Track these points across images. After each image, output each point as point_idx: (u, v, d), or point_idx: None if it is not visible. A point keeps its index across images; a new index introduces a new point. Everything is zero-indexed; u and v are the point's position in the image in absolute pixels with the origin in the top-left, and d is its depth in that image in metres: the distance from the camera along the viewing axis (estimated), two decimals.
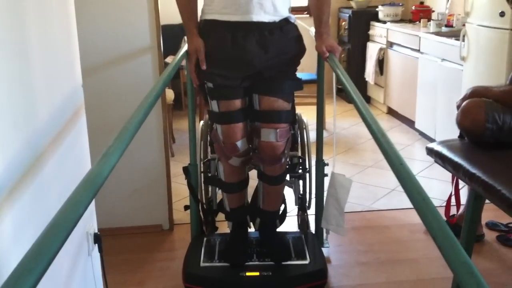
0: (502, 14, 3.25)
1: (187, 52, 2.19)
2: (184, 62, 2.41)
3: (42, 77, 1.46)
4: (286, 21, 2.14)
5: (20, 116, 1.28)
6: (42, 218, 1.10)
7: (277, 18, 2.09)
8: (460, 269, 0.76)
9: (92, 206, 1.98)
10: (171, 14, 3.42)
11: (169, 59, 4.12)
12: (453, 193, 2.70)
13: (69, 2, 1.87)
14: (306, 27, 3.08)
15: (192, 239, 2.60)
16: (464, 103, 2.30)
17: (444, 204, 2.89)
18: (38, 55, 1.44)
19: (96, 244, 1.93)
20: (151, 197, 2.99)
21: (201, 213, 2.58)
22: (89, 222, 1.89)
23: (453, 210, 2.83)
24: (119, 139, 1.14)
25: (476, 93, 2.34)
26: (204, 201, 2.58)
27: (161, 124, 2.91)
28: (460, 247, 0.80)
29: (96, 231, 1.97)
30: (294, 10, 2.23)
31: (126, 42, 2.78)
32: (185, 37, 2.30)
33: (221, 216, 2.58)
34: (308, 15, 5.66)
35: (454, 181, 2.65)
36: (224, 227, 2.64)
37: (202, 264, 2.33)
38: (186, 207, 2.62)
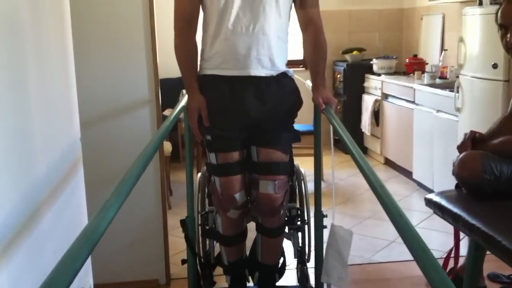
0: (495, 66, 3.31)
1: (187, 108, 2.20)
2: (182, 115, 2.44)
3: (40, 131, 1.47)
4: (283, 74, 2.17)
5: (18, 170, 1.27)
6: (38, 273, 1.08)
7: (274, 72, 2.13)
8: None
9: (88, 261, 1.95)
10: (169, 67, 3.48)
11: (167, 112, 4.15)
12: (454, 245, 2.67)
13: (69, 55, 1.91)
14: (302, 80, 3.13)
15: None
16: (461, 155, 2.32)
17: (444, 255, 2.85)
18: (36, 109, 1.45)
19: None
20: (147, 251, 2.94)
21: (198, 267, 2.54)
22: (85, 277, 1.86)
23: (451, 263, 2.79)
24: (117, 193, 1.13)
25: (474, 143, 2.36)
26: (201, 254, 2.54)
27: (158, 177, 2.90)
28: None
29: (92, 286, 1.93)
30: (290, 63, 2.27)
31: (124, 95, 2.81)
32: (183, 91, 2.33)
33: (219, 270, 2.54)
34: (303, 68, 5.76)
35: (456, 234, 2.63)
36: (222, 282, 2.59)
37: None
38: (183, 261, 2.58)
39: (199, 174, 2.60)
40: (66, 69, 1.84)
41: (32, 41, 1.47)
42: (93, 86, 2.76)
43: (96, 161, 2.71)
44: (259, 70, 2.08)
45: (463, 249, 2.69)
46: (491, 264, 2.83)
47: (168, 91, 4.05)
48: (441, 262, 2.34)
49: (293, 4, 2.17)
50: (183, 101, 2.32)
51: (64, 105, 1.79)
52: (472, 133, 2.41)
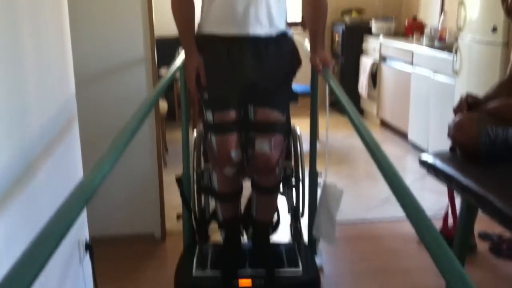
0: (494, 29, 3.28)
1: (184, 67, 2.18)
2: (178, 74, 2.42)
3: (35, 87, 1.46)
4: (282, 35, 2.15)
5: (13, 124, 1.27)
6: (34, 226, 1.10)
7: (273, 32, 2.10)
8: (453, 279, 0.76)
9: (84, 215, 1.98)
10: (165, 26, 3.44)
11: (163, 71, 4.12)
12: (449, 205, 2.71)
13: (63, 13, 1.88)
14: (301, 41, 3.10)
15: (184, 248, 2.58)
16: (457, 118, 2.32)
17: (437, 214, 2.89)
18: (32, 65, 1.44)
19: (88, 253, 1.91)
20: (143, 206, 2.98)
21: (193, 222, 2.58)
22: (80, 230, 1.88)
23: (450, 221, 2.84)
24: (112, 148, 1.13)
25: (470, 105, 2.36)
26: (197, 210, 2.57)
27: (154, 134, 2.91)
28: (453, 256, 0.80)
29: (88, 239, 1.96)
30: (288, 24, 2.24)
31: (120, 54, 2.79)
32: (180, 49, 2.30)
33: (214, 225, 2.57)
34: (302, 30, 5.69)
35: (450, 194, 2.66)
36: (216, 236, 2.63)
37: (194, 273, 2.32)
38: (178, 217, 2.61)
39: (195, 132, 2.61)
40: (60, 26, 1.82)
41: None
42: (89, 44, 2.73)
43: (92, 119, 2.71)
44: (258, 29, 2.06)
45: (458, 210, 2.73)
46: (482, 223, 2.88)
47: (164, 49, 4.01)
48: (437, 222, 2.36)
49: None
50: (179, 59, 2.30)
51: (59, 61, 1.78)
52: (468, 96, 2.41)
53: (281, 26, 2.14)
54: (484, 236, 2.98)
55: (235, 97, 2.15)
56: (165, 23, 2.69)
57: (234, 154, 2.17)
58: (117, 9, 2.74)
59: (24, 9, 1.41)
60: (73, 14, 2.13)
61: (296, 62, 2.22)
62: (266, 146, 2.15)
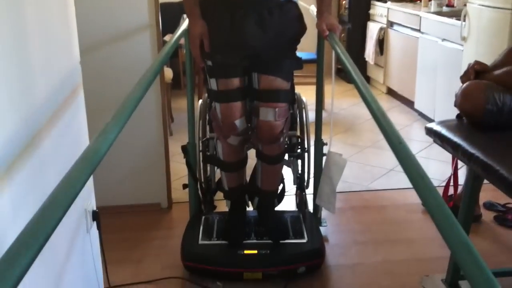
0: None
1: (188, 33, 2.16)
2: (182, 41, 2.39)
3: (39, 55, 1.45)
4: (287, 0, 2.11)
5: (17, 93, 1.27)
6: (40, 195, 1.10)
7: None
8: (458, 248, 0.77)
9: (90, 184, 1.98)
10: None
11: (167, 38, 4.09)
12: (452, 174, 2.71)
13: None
14: (306, 6, 3.05)
15: (190, 218, 2.60)
16: (464, 85, 2.29)
17: (442, 184, 2.89)
18: (35, 32, 1.42)
19: (95, 222, 1.93)
20: (149, 176, 2.99)
21: (199, 192, 2.59)
22: (87, 199, 1.89)
23: (451, 191, 2.84)
24: (117, 117, 1.13)
25: (478, 73, 2.33)
26: (202, 180, 2.58)
27: (159, 103, 2.90)
28: (458, 226, 0.80)
29: (95, 208, 1.97)
30: None
31: (124, 20, 2.76)
32: (184, 15, 2.27)
33: (219, 195, 2.59)
34: None
35: (454, 163, 2.65)
36: (222, 206, 2.65)
37: (200, 242, 2.35)
38: (184, 186, 2.62)
39: (200, 101, 2.60)
40: None
41: None
42: (92, 11, 2.70)
43: (97, 87, 2.70)
44: None
45: (461, 179, 2.73)
46: (488, 193, 2.88)
47: (168, 16, 3.97)
48: (440, 191, 2.36)
49: None
50: (184, 25, 2.27)
51: (63, 29, 1.76)
52: (476, 63, 2.38)
53: None
54: (489, 205, 2.98)
55: (239, 65, 2.13)
56: None
57: (238, 122, 2.16)
58: None
59: None
60: None
61: (300, 28, 2.18)
62: (270, 114, 2.14)
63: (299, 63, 2.23)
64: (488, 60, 2.47)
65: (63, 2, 1.77)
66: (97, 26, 2.72)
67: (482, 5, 3.48)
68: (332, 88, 2.47)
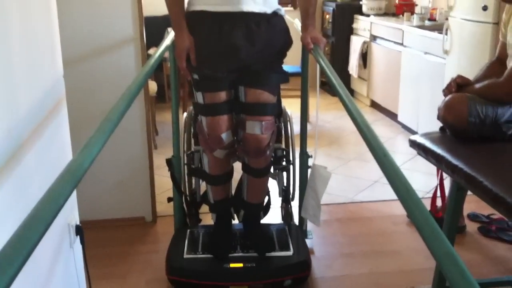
0: (485, 8, 3.27)
1: (175, 47, 2.16)
2: (167, 54, 2.39)
3: (22, 67, 1.44)
4: (274, 13, 2.13)
5: (0, 106, 1.25)
6: (23, 209, 1.09)
7: (268, 9, 2.08)
8: (443, 259, 0.77)
9: (73, 198, 1.96)
10: (154, 5, 3.40)
11: (151, 51, 4.08)
12: (438, 185, 2.73)
13: None
14: (291, 19, 3.08)
15: (175, 231, 2.58)
16: (447, 98, 2.32)
17: (427, 196, 2.91)
18: (18, 45, 1.41)
19: (78, 236, 1.91)
20: (134, 189, 2.97)
21: (184, 205, 2.57)
22: (70, 214, 1.87)
23: (438, 203, 2.86)
24: (101, 130, 1.12)
25: (460, 86, 2.36)
26: (187, 193, 2.57)
27: (144, 116, 2.89)
28: (444, 236, 0.80)
29: (78, 223, 1.95)
30: (279, 2, 2.22)
31: (108, 33, 2.75)
32: (169, 29, 2.27)
33: (204, 208, 2.58)
34: (292, 8, 5.65)
35: (439, 174, 2.68)
36: (207, 219, 2.63)
37: (185, 256, 2.33)
38: (169, 199, 2.61)
39: (185, 114, 2.59)
40: (47, 5, 1.78)
41: None
42: (77, 23, 2.69)
43: (80, 100, 2.68)
44: (251, 6, 2.03)
45: (446, 190, 2.75)
46: (472, 204, 2.91)
47: (153, 29, 3.96)
48: (426, 202, 2.37)
49: None
50: (168, 39, 2.27)
51: (46, 41, 1.75)
52: (458, 76, 2.41)
53: (274, 4, 2.12)
54: (473, 217, 3.00)
55: (226, 78, 2.13)
56: (154, 2, 2.65)
57: (225, 136, 2.16)
58: None
59: None
60: None
61: (287, 41, 2.20)
62: (257, 127, 2.14)
63: (286, 77, 2.24)
64: (470, 73, 2.50)
65: (46, 14, 1.76)
66: (81, 38, 2.71)
67: (464, 19, 3.53)
68: (317, 101, 2.49)
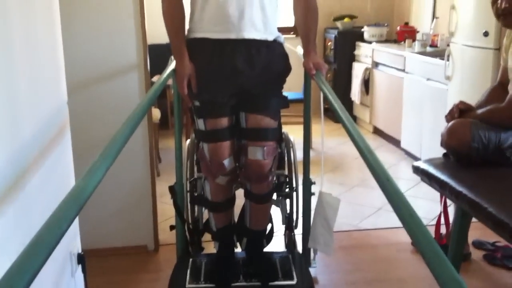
0: (486, 34, 3.30)
1: (176, 74, 2.17)
2: (170, 81, 2.41)
3: (27, 93, 1.45)
4: (274, 40, 2.15)
5: (4, 131, 1.26)
6: (25, 235, 1.08)
7: (269, 36, 2.10)
8: (449, 286, 0.75)
9: (75, 226, 1.95)
10: (158, 33, 3.42)
11: (155, 79, 4.11)
12: (442, 212, 2.71)
13: (55, 19, 1.87)
14: (292, 48, 3.10)
15: (177, 260, 2.56)
16: (449, 124, 2.32)
17: (431, 223, 2.89)
18: (23, 71, 1.42)
19: (80, 265, 1.89)
20: (136, 217, 2.95)
21: (187, 233, 2.55)
22: (72, 242, 1.86)
23: (443, 229, 2.83)
24: (104, 156, 1.12)
25: (462, 112, 2.36)
26: (190, 221, 2.55)
27: (147, 143, 2.89)
28: (449, 263, 0.79)
29: (80, 251, 1.94)
30: (281, 30, 2.24)
31: (112, 60, 2.78)
32: (172, 57, 2.29)
33: (207, 236, 2.55)
34: (294, 35, 5.71)
35: (443, 200, 2.66)
36: (210, 248, 2.61)
37: (188, 285, 2.30)
38: (171, 227, 2.59)
39: (188, 140, 2.59)
40: (53, 31, 1.81)
41: (18, 3, 1.44)
42: (81, 50, 2.71)
43: (84, 126, 2.69)
44: (252, 33, 2.05)
45: (450, 217, 2.73)
46: (476, 231, 2.88)
47: (157, 57, 4.00)
48: (430, 230, 2.36)
49: None
50: (172, 66, 2.29)
51: (51, 68, 1.76)
52: (460, 102, 2.42)
53: (274, 30, 2.14)
54: (478, 244, 2.97)
55: (227, 104, 2.14)
56: (158, 30, 2.68)
57: (227, 162, 2.16)
58: (110, 16, 2.73)
59: (15, 15, 1.39)
60: (65, 20, 2.12)
61: (286, 66, 2.21)
62: (259, 153, 2.14)
63: (286, 102, 2.25)
64: (473, 98, 2.51)
65: (52, 41, 1.78)
66: (85, 65, 2.74)
67: (465, 45, 3.56)
68: (321, 126, 2.49)
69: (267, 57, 2.11)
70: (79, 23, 2.69)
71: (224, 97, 2.12)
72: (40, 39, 1.66)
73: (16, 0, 1.42)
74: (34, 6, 1.63)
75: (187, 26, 2.17)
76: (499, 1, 2.31)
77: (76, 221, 1.87)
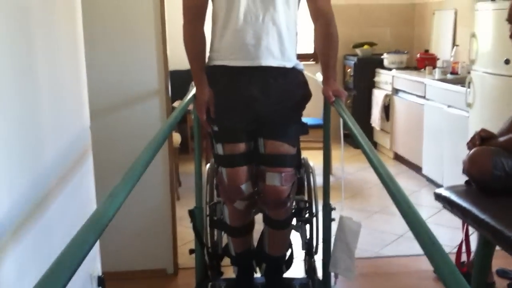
0: (507, 61, 3.28)
1: (195, 100, 2.20)
2: (191, 107, 2.44)
3: (50, 118, 1.48)
4: (293, 67, 2.16)
5: (27, 156, 1.28)
6: (46, 258, 1.09)
7: (287, 64, 2.12)
8: None
9: (96, 248, 1.97)
10: (179, 59, 3.48)
11: (176, 104, 4.16)
12: (463, 239, 2.66)
13: (79, 45, 1.91)
14: (311, 75, 3.12)
15: (196, 284, 2.55)
16: (471, 151, 2.30)
17: (453, 250, 2.84)
18: (47, 96, 1.46)
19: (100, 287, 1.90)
20: (156, 241, 2.96)
21: (206, 257, 2.55)
22: (93, 264, 1.87)
23: (463, 257, 2.78)
24: (125, 180, 1.13)
25: (484, 139, 2.34)
26: (209, 245, 2.55)
27: (167, 167, 2.91)
28: None
29: (100, 274, 1.95)
30: (301, 56, 2.26)
31: (134, 86, 2.82)
32: (193, 83, 2.33)
33: (226, 260, 2.54)
34: (314, 62, 5.74)
35: (465, 228, 2.62)
36: (229, 272, 2.59)
37: None
38: (191, 251, 2.58)
39: (208, 165, 2.61)
40: (76, 58, 1.85)
41: (42, 29, 1.48)
42: (103, 76, 2.76)
43: (106, 151, 2.72)
44: (269, 60, 2.07)
45: (472, 245, 2.68)
46: (500, 260, 2.82)
47: (178, 83, 4.06)
48: (451, 257, 2.32)
49: None
50: (192, 92, 2.32)
51: (74, 93, 1.80)
52: (482, 130, 2.40)
53: (293, 58, 2.16)
54: (502, 273, 2.91)
55: (245, 130, 2.15)
56: (179, 56, 2.72)
57: (244, 187, 2.16)
58: (132, 42, 2.78)
59: (39, 40, 1.43)
60: (88, 47, 2.16)
61: (305, 94, 2.22)
62: (277, 179, 2.14)
63: (305, 128, 2.25)
64: (494, 126, 2.49)
65: (75, 67, 1.82)
66: (107, 90, 2.78)
67: (486, 72, 3.54)
68: (341, 152, 2.48)
69: (284, 85, 2.12)
70: (102, 49, 2.75)
71: (242, 123, 2.13)
72: (64, 65, 1.70)
73: (40, 27, 1.46)
74: (58, 33, 1.67)
75: (207, 54, 2.20)
76: None
77: (97, 244, 1.89)
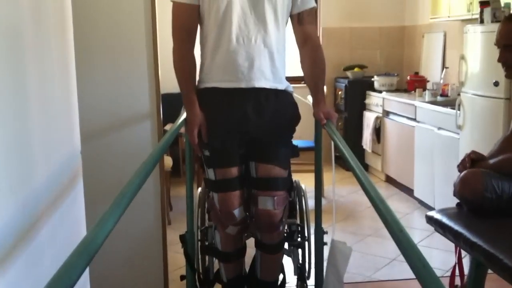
0: (496, 83, 3.32)
1: (186, 123, 2.19)
2: (183, 129, 2.43)
3: (40, 142, 1.47)
4: (283, 89, 2.18)
5: (16, 180, 1.27)
6: (36, 284, 1.07)
7: (278, 85, 2.13)
8: None
9: (86, 274, 1.94)
10: (171, 82, 3.49)
11: (168, 127, 4.15)
12: (456, 263, 2.65)
13: (70, 67, 1.91)
14: (301, 98, 3.13)
15: None
16: (462, 174, 2.31)
17: (446, 274, 2.83)
18: (37, 121, 1.45)
19: None
20: (146, 266, 2.92)
21: (197, 283, 2.52)
22: None
23: (457, 281, 2.76)
24: (115, 205, 1.12)
25: (474, 161, 2.35)
26: (201, 270, 2.52)
27: (158, 191, 2.89)
28: None
29: None
30: (291, 79, 2.28)
31: (125, 108, 2.81)
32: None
33: (218, 287, 2.52)
34: (304, 85, 5.76)
35: (457, 251, 2.61)
36: None
37: None
38: (182, 277, 2.55)
39: (200, 189, 2.59)
40: (67, 81, 1.85)
41: (34, 51, 1.48)
42: (94, 99, 2.76)
43: (96, 174, 2.70)
44: (262, 82, 2.09)
45: (465, 268, 2.67)
46: (493, 283, 2.80)
47: (170, 106, 4.06)
48: (444, 281, 2.31)
49: (290, 20, 2.19)
50: (184, 115, 2.32)
51: (65, 116, 1.79)
52: (472, 152, 2.41)
53: (283, 79, 2.17)
54: None
55: (236, 153, 2.14)
56: (171, 79, 2.73)
57: (237, 212, 2.14)
58: (123, 65, 2.78)
59: (30, 64, 1.43)
60: (79, 70, 2.16)
61: (295, 115, 2.23)
62: (269, 203, 2.13)
63: (296, 151, 2.26)
64: (485, 148, 2.50)
65: (66, 90, 1.82)
66: (98, 113, 2.77)
67: (475, 94, 3.57)
68: (333, 175, 2.48)
69: (276, 105, 2.13)
70: (93, 72, 2.75)
71: (234, 146, 2.13)
72: (55, 89, 1.70)
73: (31, 51, 1.46)
74: (50, 54, 1.67)
75: (197, 77, 2.20)
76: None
77: (87, 270, 1.86)
